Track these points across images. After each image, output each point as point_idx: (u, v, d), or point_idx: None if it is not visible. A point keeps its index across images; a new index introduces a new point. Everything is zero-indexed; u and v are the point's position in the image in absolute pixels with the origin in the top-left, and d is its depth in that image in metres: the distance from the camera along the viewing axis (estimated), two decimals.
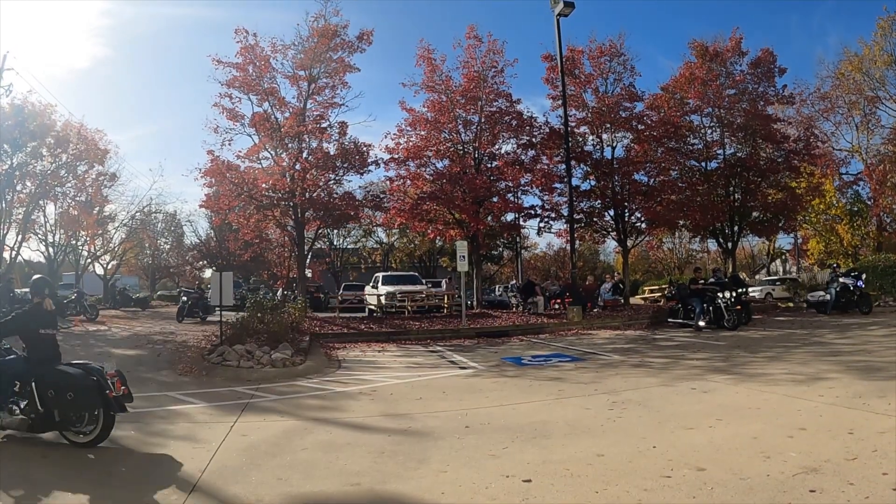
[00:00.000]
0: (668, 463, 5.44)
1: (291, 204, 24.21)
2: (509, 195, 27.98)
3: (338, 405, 9.05)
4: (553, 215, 28.66)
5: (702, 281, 20.42)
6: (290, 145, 24.29)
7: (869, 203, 37.22)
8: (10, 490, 5.15)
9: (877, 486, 4.62)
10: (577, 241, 27.02)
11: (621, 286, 27.42)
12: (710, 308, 19.14)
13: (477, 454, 6.05)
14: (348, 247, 56.16)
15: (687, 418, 7.17)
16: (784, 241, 51.05)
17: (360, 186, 30.31)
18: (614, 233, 29.57)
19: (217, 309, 18.03)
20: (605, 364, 12.59)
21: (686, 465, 5.32)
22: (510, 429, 7.05)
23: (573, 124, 27.75)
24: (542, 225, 29.20)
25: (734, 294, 19.11)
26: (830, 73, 36.79)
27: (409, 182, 27.12)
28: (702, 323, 19.10)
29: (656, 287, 37.56)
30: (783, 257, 58.05)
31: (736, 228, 30.91)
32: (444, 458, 5.94)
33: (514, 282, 41.46)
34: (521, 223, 31.89)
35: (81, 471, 5.81)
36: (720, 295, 19.03)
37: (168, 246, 59.92)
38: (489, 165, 27.32)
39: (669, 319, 21.25)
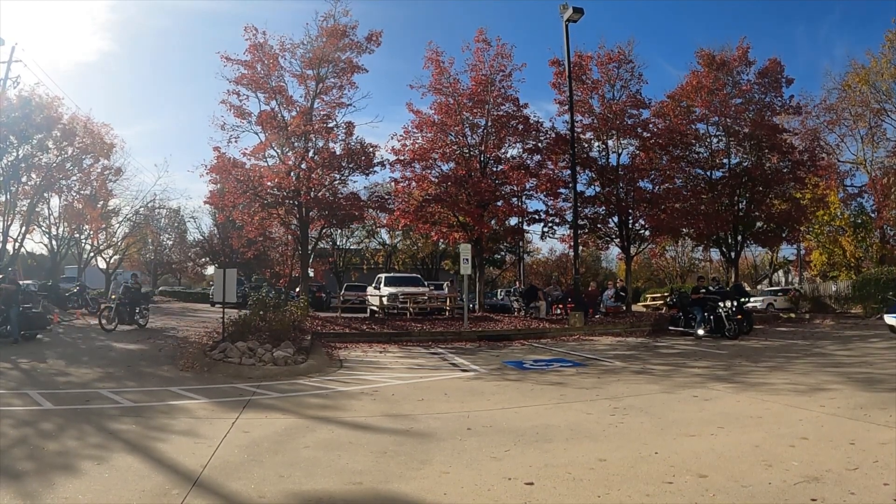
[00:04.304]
0: (670, 469, 5.44)
1: (296, 203, 24.22)
2: (514, 199, 28.07)
3: (339, 404, 9.05)
4: (557, 220, 28.70)
5: (703, 290, 20.41)
6: (296, 144, 24.29)
7: (872, 215, 37.25)
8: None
9: (878, 496, 4.63)
10: (581, 247, 26.96)
11: (623, 293, 27.39)
12: (712, 317, 19.14)
13: (479, 456, 6.05)
14: (351, 247, 56.19)
15: (689, 425, 7.17)
16: (786, 251, 51.06)
17: (364, 187, 30.32)
18: (618, 239, 29.56)
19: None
20: (606, 370, 12.59)
21: (688, 472, 5.33)
22: (512, 432, 7.05)
23: (579, 130, 27.78)
24: (545, 230, 29.25)
25: (735, 303, 19.11)
26: (837, 84, 36.89)
27: (414, 184, 27.13)
28: (701, 331, 19.11)
29: (658, 295, 37.50)
30: (786, 268, 58.04)
31: (739, 238, 30.91)
32: (446, 460, 5.94)
33: (516, 285, 41.46)
34: (525, 227, 31.96)
35: (82, 460, 5.82)
36: (721, 304, 19.02)
37: (171, 242, 60.16)
38: (494, 169, 27.36)
39: (670, 327, 21.26)
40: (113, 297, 20.49)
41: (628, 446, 6.34)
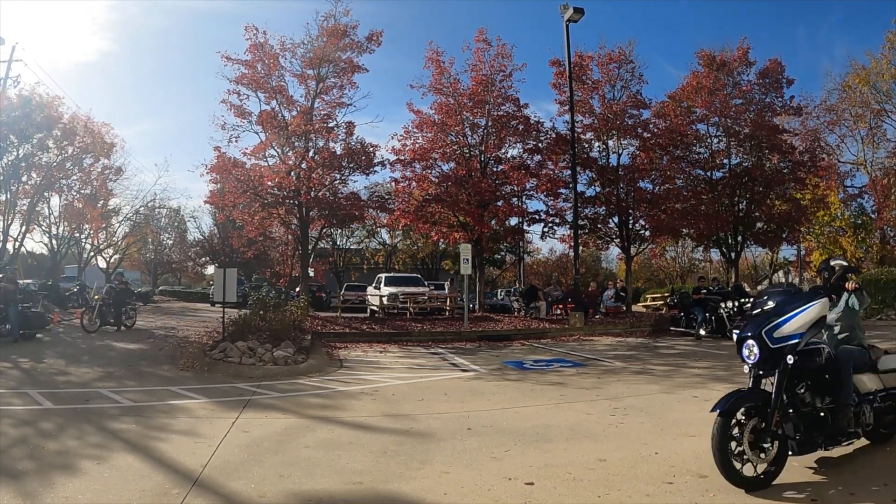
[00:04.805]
0: (670, 469, 5.45)
1: (296, 202, 24.20)
2: (514, 199, 28.02)
3: (340, 404, 9.05)
4: (557, 220, 28.60)
5: (704, 290, 20.38)
6: (296, 144, 24.26)
7: (873, 216, 37.21)
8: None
9: (878, 496, 4.66)
10: (581, 248, 26.93)
11: (623, 293, 27.34)
12: (713, 317, 19.12)
13: (479, 456, 6.06)
14: (351, 247, 56.16)
15: (689, 426, 7.16)
16: (786, 252, 50.99)
17: (365, 187, 30.21)
18: (618, 240, 29.46)
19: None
20: (606, 370, 12.59)
21: (688, 472, 5.34)
22: (512, 432, 7.05)
23: (579, 130, 27.68)
24: (545, 230, 29.15)
25: (736, 304, 19.08)
26: (837, 85, 36.82)
27: (414, 184, 27.08)
28: (703, 331, 19.11)
29: (658, 295, 37.46)
30: (786, 268, 57.94)
31: (739, 238, 30.85)
32: (446, 460, 5.95)
33: (516, 285, 41.39)
34: (525, 228, 31.91)
35: (82, 459, 5.82)
36: (722, 304, 19.01)
37: (171, 241, 60.17)
38: (495, 169, 27.30)
39: (671, 328, 21.22)
40: (96, 297, 19.51)
41: (628, 446, 6.35)
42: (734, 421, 4.98)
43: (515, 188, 27.57)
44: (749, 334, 5.31)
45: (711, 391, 9.51)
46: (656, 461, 5.76)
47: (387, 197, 28.69)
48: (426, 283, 30.51)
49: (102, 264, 46.22)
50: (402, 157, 26.53)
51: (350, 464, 5.78)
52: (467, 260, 21.91)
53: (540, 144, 27.63)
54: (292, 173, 23.82)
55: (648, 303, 36.81)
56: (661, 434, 6.86)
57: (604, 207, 28.63)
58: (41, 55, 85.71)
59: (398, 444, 6.59)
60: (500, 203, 26.78)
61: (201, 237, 59.21)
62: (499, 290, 46.34)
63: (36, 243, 38.87)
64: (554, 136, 27.71)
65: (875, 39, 59.76)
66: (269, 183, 23.80)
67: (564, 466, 5.62)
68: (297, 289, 29.62)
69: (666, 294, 33.57)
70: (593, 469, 5.53)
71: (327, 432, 7.19)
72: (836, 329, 6.04)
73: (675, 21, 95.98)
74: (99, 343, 16.01)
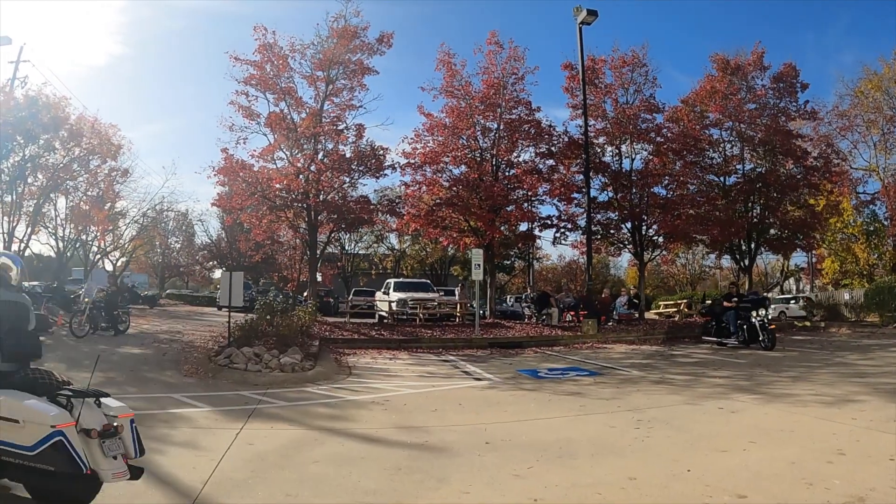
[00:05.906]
0: (705, 488, 5.09)
1: (305, 206, 23.95)
2: (526, 204, 27.66)
3: (349, 415, 8.71)
4: (569, 226, 28.21)
5: (735, 298, 19.72)
6: (305, 146, 24.05)
7: (885, 223, 36.82)
8: None
9: None
10: (593, 254, 26.61)
11: (636, 300, 26.95)
12: (745, 326, 18.47)
13: (500, 474, 5.68)
14: (360, 252, 56.11)
15: (718, 440, 6.82)
16: (796, 259, 50.57)
17: (374, 190, 30.05)
18: (631, 246, 29.09)
19: None
20: (624, 379, 12.21)
21: (725, 492, 4.99)
22: (533, 446, 6.69)
23: (592, 134, 27.21)
24: (558, 235, 28.76)
25: (768, 312, 18.45)
26: (849, 90, 36.42)
27: (424, 188, 26.77)
28: (734, 341, 18.49)
29: (672, 302, 37.11)
30: (797, 276, 57.58)
31: (753, 245, 30.50)
32: (464, 478, 5.57)
33: (528, 292, 41.08)
34: (537, 233, 31.53)
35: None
36: (754, 313, 18.31)
37: (178, 245, 60.06)
38: (507, 173, 26.91)
39: (703, 336, 20.48)
40: (87, 300, 18.73)
41: (657, 463, 5.98)
42: None
43: (527, 193, 27.19)
44: None
45: (736, 402, 9.18)
46: (690, 480, 5.38)
47: (397, 201, 28.40)
48: (436, 288, 30.27)
49: (109, 267, 46.05)
50: (413, 161, 26.19)
51: (362, 482, 5.42)
52: (479, 265, 21.60)
53: (552, 148, 27.29)
54: (301, 176, 23.58)
55: (661, 310, 36.45)
56: (691, 449, 6.49)
57: (616, 213, 28.25)
58: (51, 58, 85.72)
59: (412, 460, 6.23)
60: (511, 208, 26.38)
61: (209, 241, 59.14)
62: (508, 297, 46.06)
63: (42, 245, 38.80)
64: (566, 140, 27.38)
65: (883, 45, 59.45)
66: (278, 185, 23.60)
67: (593, 486, 5.24)
68: (305, 293, 29.35)
69: (679, 301, 33.24)
70: (624, 489, 5.16)
71: (337, 446, 6.85)
72: None
73: (683, 28, 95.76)
74: (102, 347, 15.73)
